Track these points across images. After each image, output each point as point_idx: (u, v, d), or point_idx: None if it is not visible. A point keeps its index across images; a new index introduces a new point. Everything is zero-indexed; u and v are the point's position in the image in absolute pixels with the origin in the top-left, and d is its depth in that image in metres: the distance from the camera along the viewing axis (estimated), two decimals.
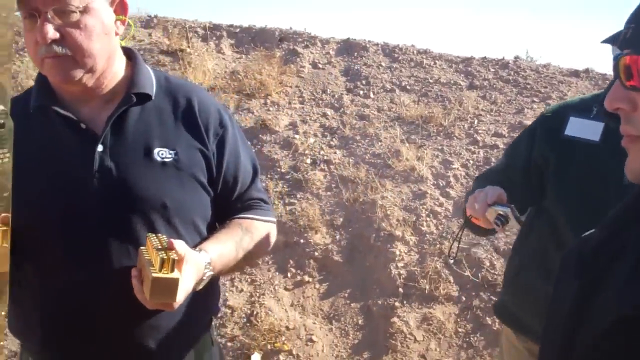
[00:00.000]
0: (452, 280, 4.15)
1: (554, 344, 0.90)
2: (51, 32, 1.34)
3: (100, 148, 1.45)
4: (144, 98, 1.52)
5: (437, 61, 6.50)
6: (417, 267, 4.25)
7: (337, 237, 4.53)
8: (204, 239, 1.54)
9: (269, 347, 3.79)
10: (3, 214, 0.73)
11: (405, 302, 4.06)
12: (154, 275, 1.24)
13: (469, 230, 2.01)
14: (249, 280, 4.24)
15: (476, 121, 5.65)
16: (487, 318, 3.92)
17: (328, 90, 5.87)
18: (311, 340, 3.88)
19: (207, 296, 1.59)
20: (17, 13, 1.40)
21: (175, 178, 1.49)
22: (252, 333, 3.84)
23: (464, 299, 4.07)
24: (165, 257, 1.25)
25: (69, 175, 1.45)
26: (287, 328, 3.93)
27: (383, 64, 6.41)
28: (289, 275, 4.31)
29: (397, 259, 4.30)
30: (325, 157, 5.16)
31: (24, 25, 1.40)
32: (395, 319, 3.94)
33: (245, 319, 3.97)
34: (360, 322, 4.02)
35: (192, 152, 1.54)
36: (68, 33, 1.37)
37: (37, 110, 1.49)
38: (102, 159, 1.45)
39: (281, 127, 5.43)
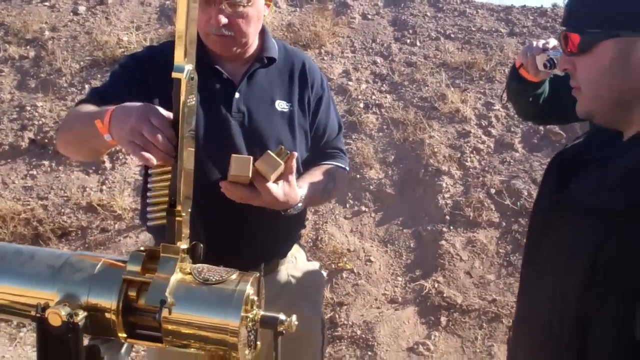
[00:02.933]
0: (493, 209, 4.61)
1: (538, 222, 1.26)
2: (224, 20, 1.71)
3: (237, 95, 1.85)
4: (271, 61, 1.93)
5: (479, 10, 6.78)
6: (462, 198, 4.71)
7: (390, 172, 4.97)
8: (300, 173, 1.91)
9: (333, 266, 4.29)
10: None
11: (451, 227, 4.52)
12: (269, 152, 1.58)
13: (513, 83, 2.20)
14: (313, 210, 4.68)
15: None
16: (525, 240, 4.39)
17: (377, 39, 6.28)
18: (369, 261, 4.36)
19: (298, 215, 1.90)
20: None
21: (289, 124, 1.92)
22: (318, 254, 4.32)
23: (504, 224, 4.52)
24: (283, 148, 1.62)
25: (215, 113, 1.83)
26: (349, 250, 4.41)
27: (428, 13, 6.70)
28: (347, 206, 4.78)
29: (443, 190, 4.75)
30: (376, 102, 5.56)
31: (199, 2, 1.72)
32: (443, 242, 4.40)
33: (311, 243, 4.47)
34: (412, 245, 4.49)
35: (302, 104, 1.96)
36: (235, 21, 1.74)
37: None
38: (238, 104, 1.85)
39: (335, 74, 5.87)
